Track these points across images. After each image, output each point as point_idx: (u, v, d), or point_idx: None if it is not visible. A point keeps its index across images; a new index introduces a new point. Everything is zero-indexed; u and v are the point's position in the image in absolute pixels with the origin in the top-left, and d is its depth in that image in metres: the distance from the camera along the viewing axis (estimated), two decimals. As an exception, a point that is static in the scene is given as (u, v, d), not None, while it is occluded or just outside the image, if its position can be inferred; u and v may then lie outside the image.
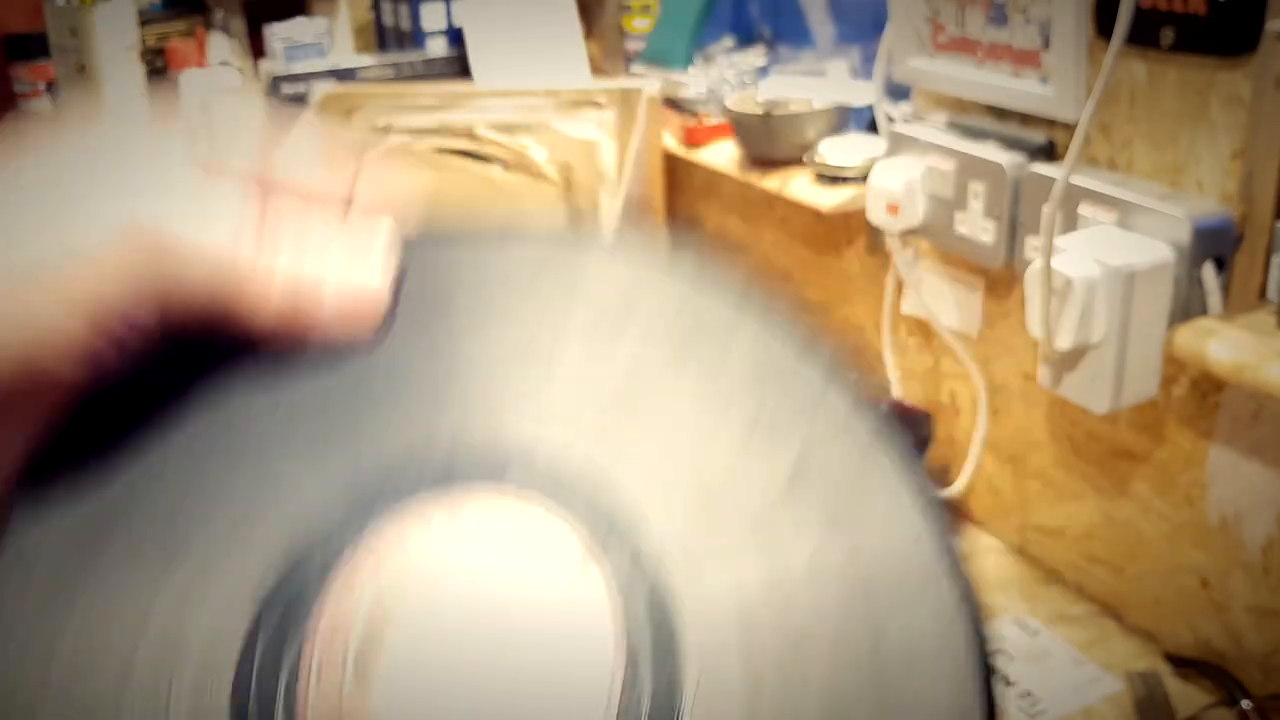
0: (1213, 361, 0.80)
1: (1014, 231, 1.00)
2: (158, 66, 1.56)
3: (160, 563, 0.30)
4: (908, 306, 1.21)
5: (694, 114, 1.45)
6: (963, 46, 1.03)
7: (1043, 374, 0.93)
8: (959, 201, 1.04)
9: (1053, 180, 0.91)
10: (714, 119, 1.42)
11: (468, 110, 1.45)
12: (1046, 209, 0.87)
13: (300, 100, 1.51)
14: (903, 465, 0.31)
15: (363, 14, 1.74)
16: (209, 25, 1.62)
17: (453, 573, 0.30)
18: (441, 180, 1.34)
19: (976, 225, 1.03)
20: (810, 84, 1.35)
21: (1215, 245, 0.85)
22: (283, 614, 0.29)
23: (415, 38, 1.62)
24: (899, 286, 1.20)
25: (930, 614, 0.30)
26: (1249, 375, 0.77)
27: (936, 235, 1.08)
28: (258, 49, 1.64)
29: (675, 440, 0.32)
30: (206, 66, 1.55)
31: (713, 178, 1.51)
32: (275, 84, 1.53)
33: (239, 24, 1.64)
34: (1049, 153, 0.98)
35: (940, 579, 0.30)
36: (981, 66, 1.01)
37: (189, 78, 1.52)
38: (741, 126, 1.32)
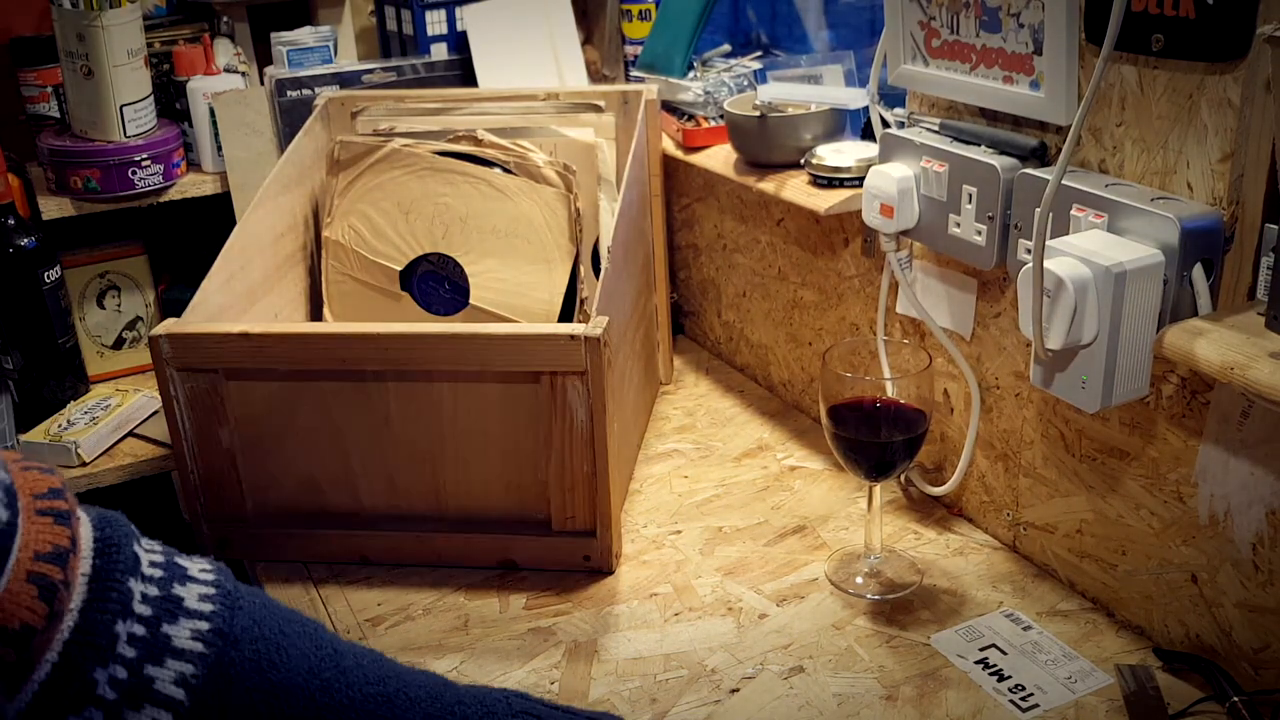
0: (1202, 361, 0.81)
1: (1006, 233, 1.01)
2: (164, 71, 1.57)
3: None
4: (902, 307, 1.22)
5: (692, 117, 1.46)
6: (956, 52, 1.04)
7: (1034, 373, 0.94)
8: (952, 203, 1.05)
9: (1044, 183, 0.92)
10: (711, 122, 1.44)
11: (469, 114, 1.47)
12: (1038, 211, 0.89)
13: (305, 105, 1.52)
14: None
15: (366, 19, 1.75)
16: (215, 31, 1.63)
17: None
18: (443, 183, 1.35)
19: (969, 227, 1.04)
20: (806, 88, 1.36)
21: (1205, 247, 0.86)
22: None
23: (418, 43, 1.63)
24: (893, 287, 1.22)
25: None
26: (1238, 375, 0.78)
27: (930, 237, 1.10)
28: (263, 54, 1.66)
29: None
30: (213, 73, 1.56)
31: (710, 180, 1.52)
32: (280, 88, 1.54)
33: (244, 29, 1.65)
34: (1041, 156, 0.99)
35: None
36: (974, 71, 1.03)
37: (195, 83, 1.53)
38: (738, 130, 1.33)
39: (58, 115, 1.58)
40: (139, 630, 0.55)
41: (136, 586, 0.56)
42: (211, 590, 0.59)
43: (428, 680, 0.65)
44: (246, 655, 0.58)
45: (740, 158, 1.36)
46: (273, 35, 1.62)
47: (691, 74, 1.48)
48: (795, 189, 1.26)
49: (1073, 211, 0.92)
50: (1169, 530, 0.97)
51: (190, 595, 0.58)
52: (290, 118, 1.54)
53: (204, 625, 0.57)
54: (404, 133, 1.44)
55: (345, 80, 1.57)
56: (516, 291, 1.33)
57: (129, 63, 1.47)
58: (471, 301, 1.34)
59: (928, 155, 1.07)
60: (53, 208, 1.50)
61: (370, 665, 0.63)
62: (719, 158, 1.39)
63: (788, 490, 1.29)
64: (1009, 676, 0.98)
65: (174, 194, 1.55)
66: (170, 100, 1.58)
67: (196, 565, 0.60)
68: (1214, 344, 0.81)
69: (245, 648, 0.58)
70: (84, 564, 0.55)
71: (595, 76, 1.71)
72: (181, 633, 0.56)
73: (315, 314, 1.41)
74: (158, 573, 0.58)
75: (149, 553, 0.59)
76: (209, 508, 1.18)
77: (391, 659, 0.65)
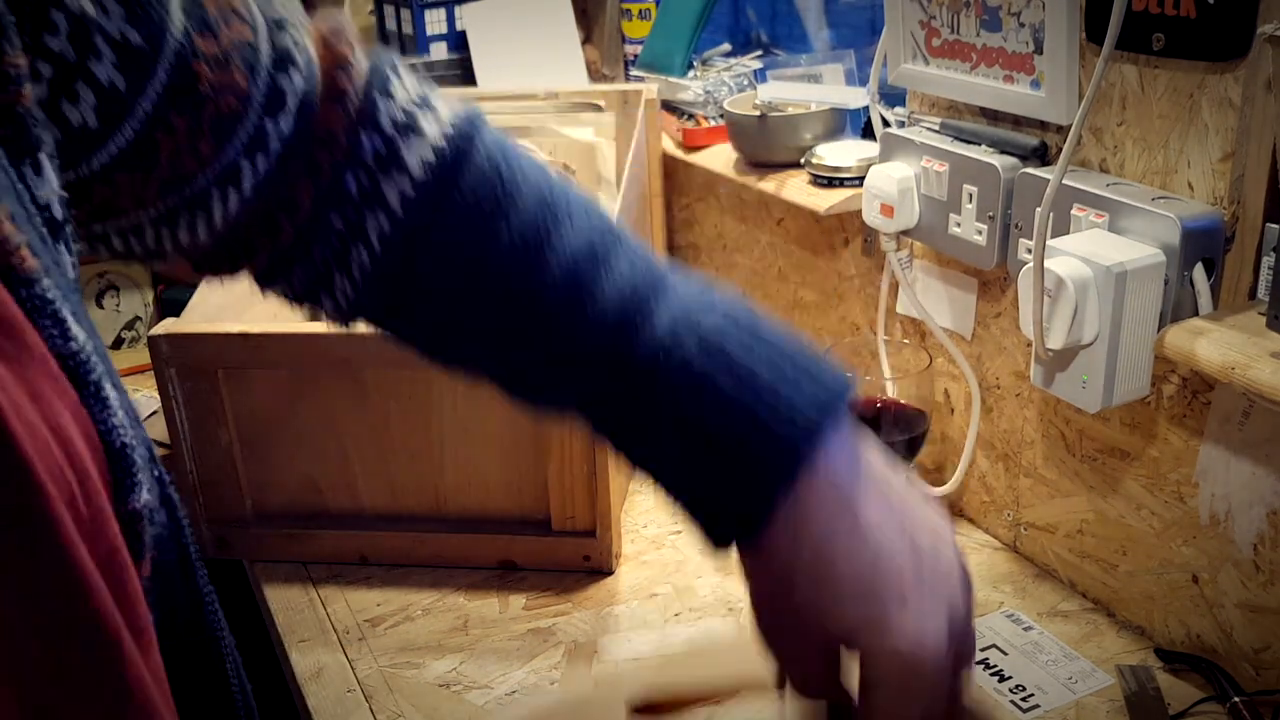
0: (1203, 361, 0.81)
1: (1007, 233, 1.01)
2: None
3: None
4: (902, 307, 1.22)
5: (692, 117, 1.46)
6: (956, 51, 1.04)
7: (1035, 373, 0.94)
8: (953, 203, 1.05)
9: (1045, 182, 0.92)
10: (711, 122, 1.43)
11: (469, 113, 1.46)
12: (1039, 210, 0.89)
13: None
14: None
15: (365, 19, 1.75)
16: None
17: None
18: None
19: (970, 226, 1.04)
20: (806, 88, 1.36)
21: (1205, 246, 0.86)
22: None
23: (417, 42, 1.63)
24: (893, 287, 1.22)
25: None
26: (1238, 375, 0.78)
27: (930, 236, 1.10)
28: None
29: None
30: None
31: (710, 179, 1.52)
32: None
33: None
34: (1041, 155, 0.99)
35: None
36: (975, 71, 1.03)
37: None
38: (739, 129, 1.33)
39: (57, 115, 1.58)
40: (380, 146, 0.58)
41: (387, 105, 0.59)
42: (456, 120, 0.61)
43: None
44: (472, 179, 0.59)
45: (740, 157, 1.36)
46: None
47: (691, 73, 1.48)
48: (795, 189, 1.26)
49: (1073, 211, 0.92)
50: (1170, 530, 0.97)
51: (430, 122, 0.60)
52: (289, 117, 1.54)
53: (438, 144, 0.59)
54: (403, 132, 1.43)
55: (344, 80, 1.57)
56: (516, 291, 1.33)
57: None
58: (471, 301, 1.34)
59: (928, 155, 1.07)
60: (52, 207, 1.50)
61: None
62: (719, 157, 1.39)
63: (788, 490, 1.29)
64: (1009, 677, 0.98)
65: (173, 194, 1.54)
66: (169, 100, 1.58)
67: (445, 103, 0.63)
68: (1215, 344, 0.80)
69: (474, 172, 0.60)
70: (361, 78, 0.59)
71: (595, 76, 1.71)
72: (413, 154, 0.59)
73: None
74: (413, 96, 0.60)
75: (407, 84, 0.61)
76: (208, 508, 1.18)
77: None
